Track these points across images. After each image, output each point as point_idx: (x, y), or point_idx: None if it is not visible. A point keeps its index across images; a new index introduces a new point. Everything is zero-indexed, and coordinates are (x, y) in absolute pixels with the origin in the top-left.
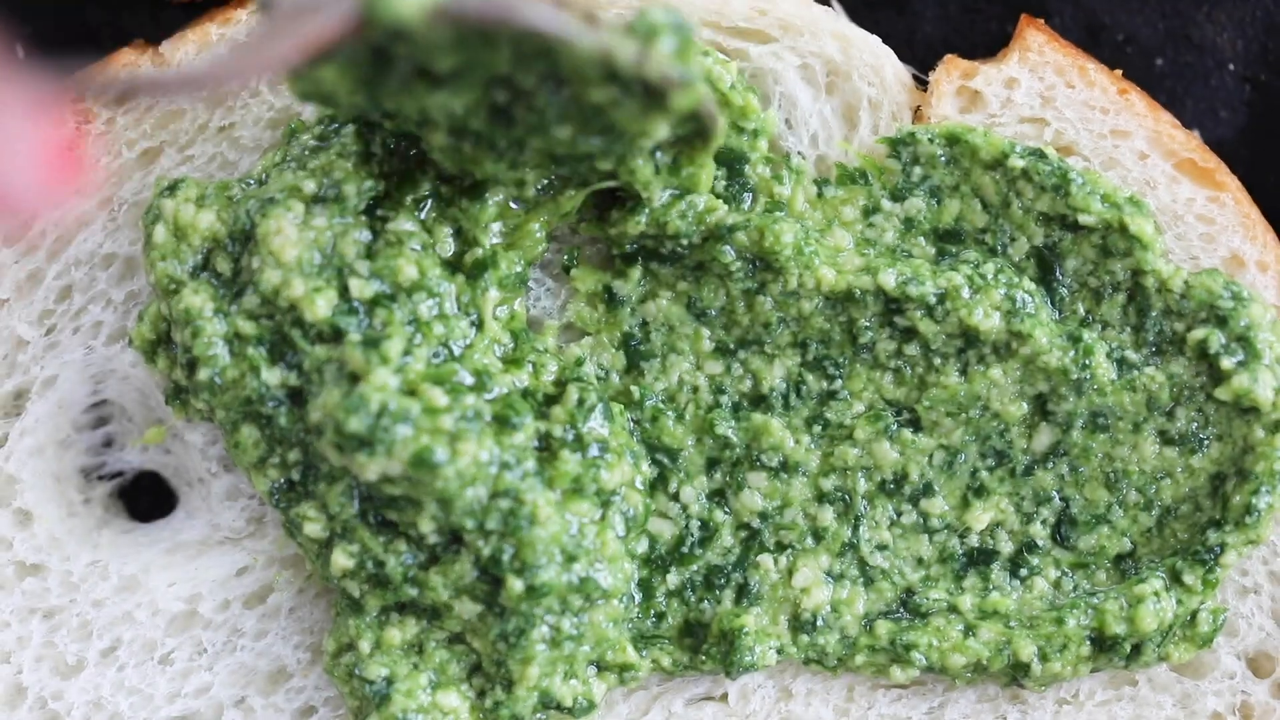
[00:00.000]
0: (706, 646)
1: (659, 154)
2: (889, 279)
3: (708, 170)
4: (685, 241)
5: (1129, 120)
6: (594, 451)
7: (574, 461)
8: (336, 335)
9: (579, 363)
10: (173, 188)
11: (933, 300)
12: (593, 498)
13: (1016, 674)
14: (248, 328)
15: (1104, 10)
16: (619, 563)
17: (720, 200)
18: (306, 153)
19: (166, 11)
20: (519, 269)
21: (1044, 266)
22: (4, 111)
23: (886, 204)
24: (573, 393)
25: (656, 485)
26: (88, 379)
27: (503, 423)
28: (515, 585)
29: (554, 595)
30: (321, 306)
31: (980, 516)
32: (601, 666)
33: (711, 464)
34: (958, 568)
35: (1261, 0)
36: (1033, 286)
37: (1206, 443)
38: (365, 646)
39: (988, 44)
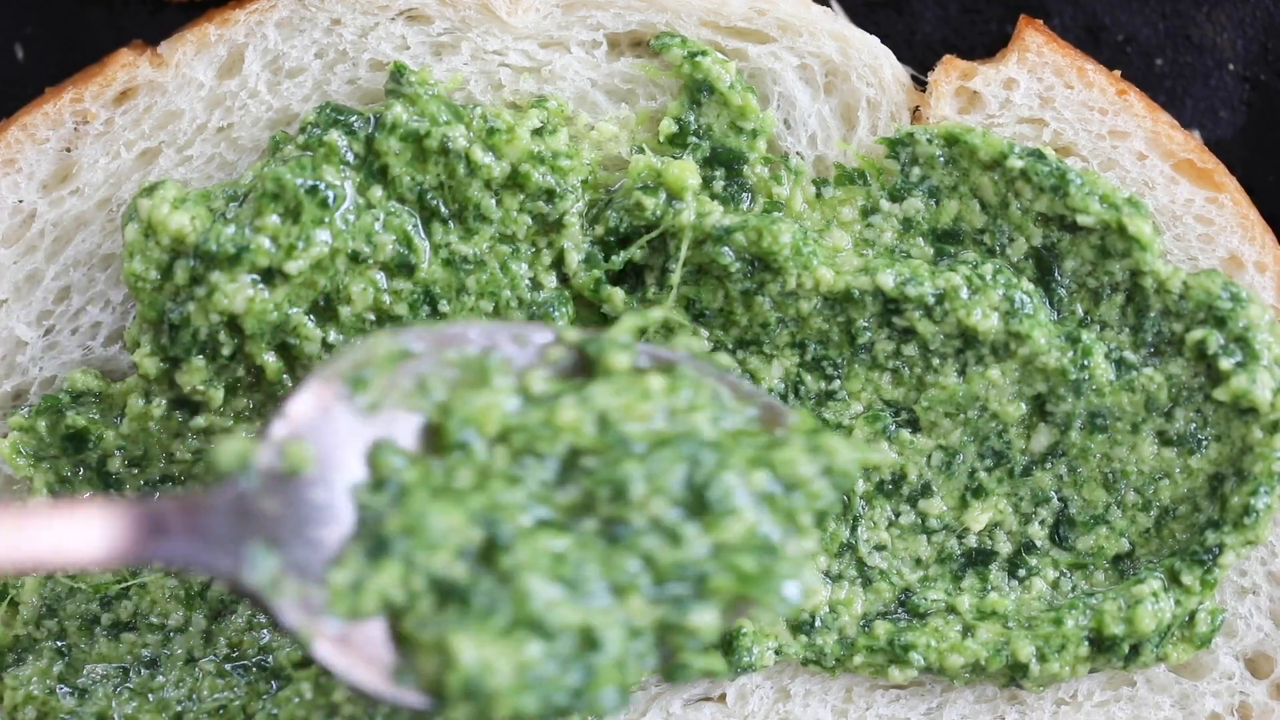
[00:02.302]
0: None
1: None
2: (887, 279)
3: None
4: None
5: (1128, 121)
6: None
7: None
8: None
9: None
10: (152, 188)
11: (931, 301)
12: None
13: (1015, 674)
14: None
15: (1104, 10)
16: None
17: (717, 201)
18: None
19: (166, 11)
20: None
21: (1042, 267)
22: None
23: (885, 204)
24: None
25: None
26: None
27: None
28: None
29: None
30: (270, 360)
31: (978, 517)
32: None
33: None
34: (956, 568)
35: (1261, 0)
36: (1031, 287)
37: (1205, 443)
38: None
39: (987, 44)
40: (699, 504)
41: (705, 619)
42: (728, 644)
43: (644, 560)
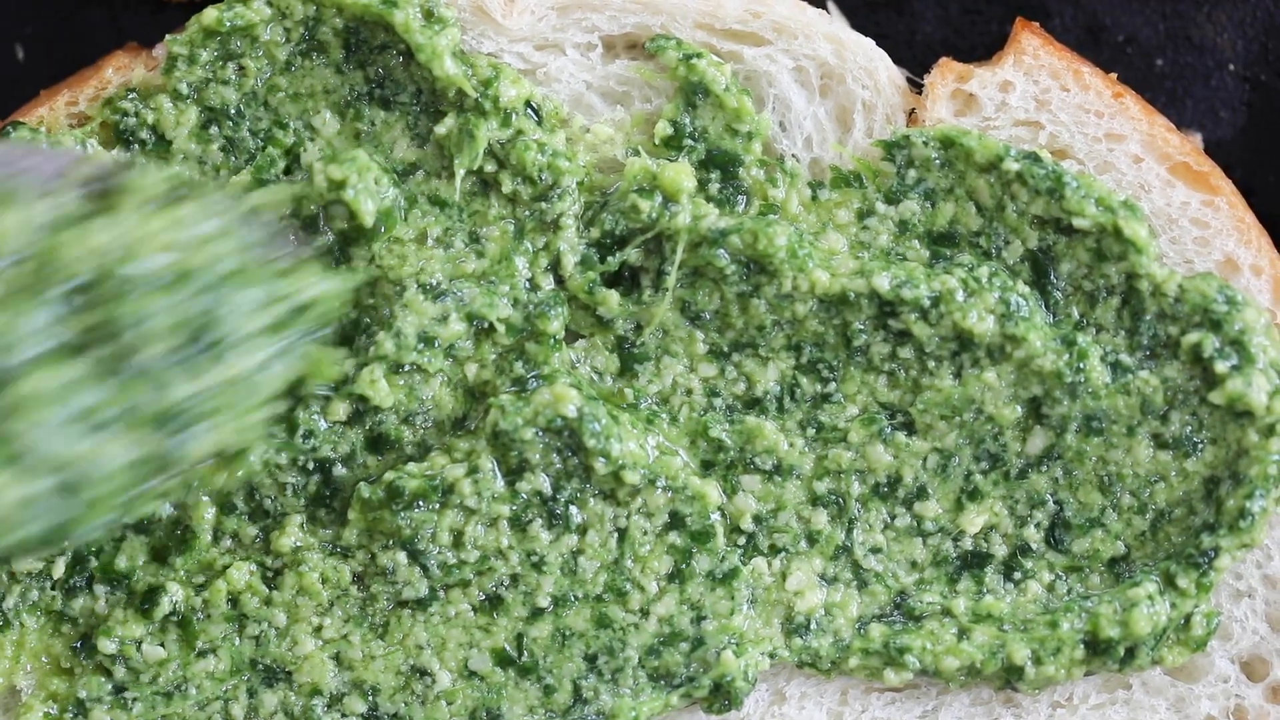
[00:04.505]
0: None
1: None
2: (883, 282)
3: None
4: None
5: (1124, 124)
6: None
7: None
8: None
9: (573, 366)
10: None
11: (927, 303)
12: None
13: (1010, 677)
14: None
15: (1104, 11)
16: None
17: (713, 203)
18: None
19: (166, 11)
20: None
21: (1038, 270)
22: None
23: (881, 207)
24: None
25: None
26: None
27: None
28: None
29: None
30: None
31: (974, 519)
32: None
33: (705, 467)
34: (951, 571)
35: (1262, 0)
36: (1027, 290)
37: (1200, 446)
38: None
39: (988, 44)
40: (200, 342)
41: (200, 447)
42: (724, 691)
43: (137, 399)
